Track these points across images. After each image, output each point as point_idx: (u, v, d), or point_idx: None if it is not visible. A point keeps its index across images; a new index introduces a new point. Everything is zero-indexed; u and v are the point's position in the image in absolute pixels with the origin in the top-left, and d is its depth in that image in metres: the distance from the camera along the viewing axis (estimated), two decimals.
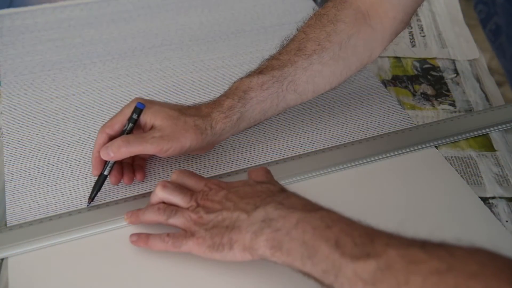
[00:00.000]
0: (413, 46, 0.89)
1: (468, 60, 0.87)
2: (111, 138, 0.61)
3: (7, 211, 0.62)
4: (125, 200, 0.63)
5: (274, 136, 0.72)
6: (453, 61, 0.87)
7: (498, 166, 0.68)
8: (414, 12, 0.69)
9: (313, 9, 0.73)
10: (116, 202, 0.63)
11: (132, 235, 0.57)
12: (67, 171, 0.67)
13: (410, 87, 0.81)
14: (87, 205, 0.62)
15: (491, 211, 0.62)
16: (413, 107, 0.77)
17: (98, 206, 0.62)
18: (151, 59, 0.87)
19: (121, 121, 0.62)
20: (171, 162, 0.67)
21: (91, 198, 0.62)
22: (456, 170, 0.67)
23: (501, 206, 0.63)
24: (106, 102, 0.78)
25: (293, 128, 0.73)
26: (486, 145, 0.71)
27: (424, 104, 0.77)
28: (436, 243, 0.43)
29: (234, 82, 0.65)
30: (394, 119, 0.75)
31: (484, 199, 0.64)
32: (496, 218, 0.61)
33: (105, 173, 0.62)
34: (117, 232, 0.59)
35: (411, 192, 0.64)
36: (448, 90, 0.80)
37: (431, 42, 0.91)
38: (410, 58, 0.88)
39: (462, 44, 0.91)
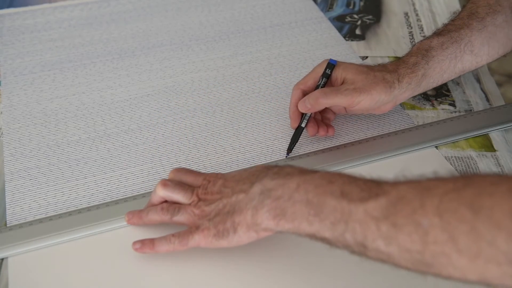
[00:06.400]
0: (413, 46, 0.89)
1: None
2: (305, 94, 0.67)
3: (7, 211, 0.62)
4: (125, 200, 0.63)
5: (274, 136, 0.72)
6: None
7: (498, 166, 0.68)
8: None
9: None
10: (116, 202, 0.63)
11: (134, 242, 0.56)
12: (67, 171, 0.67)
13: None
14: (286, 156, 0.68)
15: None
16: (413, 107, 0.77)
17: (98, 206, 0.62)
18: (151, 59, 0.87)
19: (313, 77, 0.68)
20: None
21: (290, 150, 0.68)
22: (456, 170, 0.67)
23: None
24: (106, 102, 0.78)
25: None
26: (486, 145, 0.71)
27: (424, 104, 0.77)
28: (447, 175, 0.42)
29: (414, 45, 0.70)
30: (394, 119, 0.75)
31: None
32: None
33: (302, 125, 0.68)
34: (117, 232, 0.59)
35: None
36: (448, 90, 0.80)
37: None
38: None
39: None
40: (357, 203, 0.44)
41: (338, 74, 0.67)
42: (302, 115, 0.68)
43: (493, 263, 0.37)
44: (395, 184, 0.44)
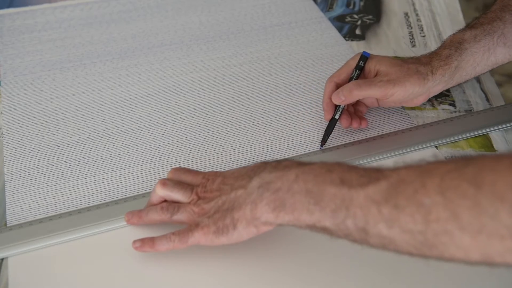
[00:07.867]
0: (413, 46, 0.89)
1: None
2: (338, 86, 0.68)
3: (7, 211, 0.62)
4: (125, 200, 0.63)
5: (274, 136, 0.72)
6: None
7: None
8: None
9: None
10: (116, 202, 0.63)
11: (135, 241, 0.56)
12: (67, 171, 0.67)
13: None
14: (320, 148, 0.69)
15: None
16: (413, 107, 0.77)
17: (98, 206, 0.62)
18: (151, 59, 0.87)
19: (346, 71, 0.69)
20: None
21: (324, 141, 0.69)
22: None
23: None
24: (106, 102, 0.78)
25: (293, 128, 0.73)
26: (486, 145, 0.71)
27: (424, 104, 0.77)
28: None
29: (446, 38, 0.71)
30: (394, 119, 0.75)
31: None
32: None
33: (336, 117, 0.68)
34: (117, 232, 0.59)
35: None
36: (448, 90, 0.80)
37: (431, 42, 0.90)
38: None
39: None
40: (357, 189, 0.43)
41: (371, 67, 0.68)
42: (336, 107, 0.68)
43: (495, 238, 0.37)
44: (395, 169, 0.44)
